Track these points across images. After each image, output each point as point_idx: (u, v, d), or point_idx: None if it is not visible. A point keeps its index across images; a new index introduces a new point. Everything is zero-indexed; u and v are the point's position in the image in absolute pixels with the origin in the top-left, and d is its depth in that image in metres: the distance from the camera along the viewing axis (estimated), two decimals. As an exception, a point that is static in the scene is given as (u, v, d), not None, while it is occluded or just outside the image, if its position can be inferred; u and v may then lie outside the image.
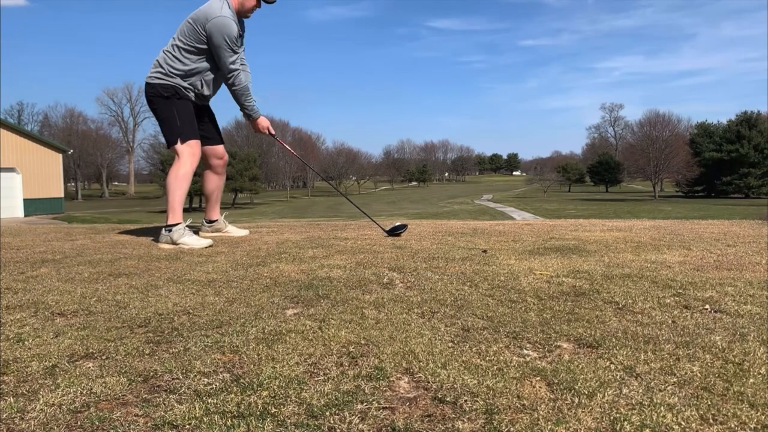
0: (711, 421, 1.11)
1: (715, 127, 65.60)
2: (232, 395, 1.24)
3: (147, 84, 3.80)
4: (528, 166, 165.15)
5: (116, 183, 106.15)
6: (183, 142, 3.76)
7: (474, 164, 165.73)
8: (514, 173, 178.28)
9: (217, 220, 4.20)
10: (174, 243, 3.57)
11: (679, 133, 70.67)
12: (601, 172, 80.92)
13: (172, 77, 3.74)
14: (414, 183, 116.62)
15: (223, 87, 3.93)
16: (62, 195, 32.84)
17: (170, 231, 3.62)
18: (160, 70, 3.75)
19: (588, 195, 71.34)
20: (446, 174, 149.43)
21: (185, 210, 3.74)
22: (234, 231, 4.24)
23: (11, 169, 29.42)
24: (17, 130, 31.71)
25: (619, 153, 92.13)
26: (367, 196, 77.35)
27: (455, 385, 1.27)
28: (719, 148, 61.17)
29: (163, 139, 4.08)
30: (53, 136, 67.49)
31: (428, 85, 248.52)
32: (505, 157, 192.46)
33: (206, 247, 3.49)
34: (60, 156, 32.39)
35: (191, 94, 3.82)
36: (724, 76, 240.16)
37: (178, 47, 3.73)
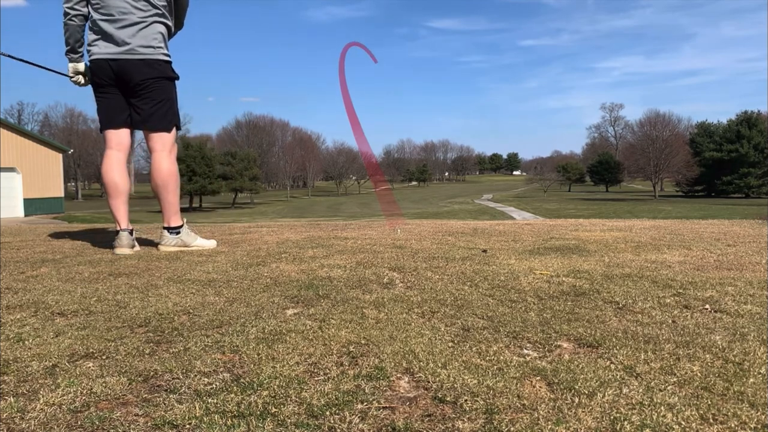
0: (711, 420, 1.11)
1: (715, 126, 65.67)
2: (233, 395, 1.24)
3: (154, 61, 3.21)
4: (528, 166, 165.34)
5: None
6: (176, 128, 3.36)
7: (474, 164, 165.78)
8: (514, 173, 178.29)
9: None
10: (187, 246, 3.31)
11: (679, 133, 70.74)
12: (601, 171, 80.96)
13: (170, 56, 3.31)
14: (414, 183, 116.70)
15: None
16: (62, 195, 32.86)
17: (178, 233, 3.32)
18: (165, 47, 3.29)
19: (588, 195, 71.34)
20: (446, 174, 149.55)
21: (183, 210, 3.51)
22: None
23: (11, 169, 29.43)
24: (17, 129, 31.72)
25: (619, 153, 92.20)
26: (367, 196, 77.35)
27: (455, 385, 1.27)
28: (719, 147, 61.24)
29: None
30: (53, 135, 67.56)
31: (428, 85, 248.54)
32: (505, 156, 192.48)
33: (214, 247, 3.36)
34: (60, 156, 32.40)
35: None
36: (724, 76, 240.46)
37: (166, 24, 3.26)
